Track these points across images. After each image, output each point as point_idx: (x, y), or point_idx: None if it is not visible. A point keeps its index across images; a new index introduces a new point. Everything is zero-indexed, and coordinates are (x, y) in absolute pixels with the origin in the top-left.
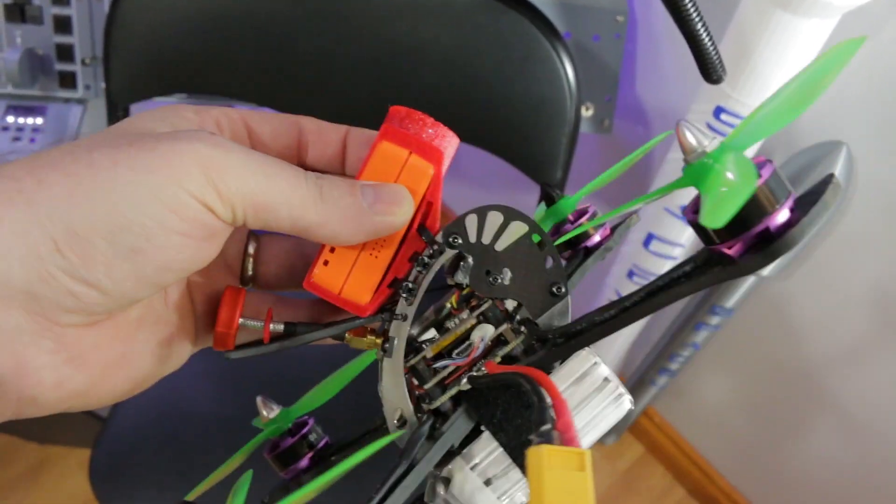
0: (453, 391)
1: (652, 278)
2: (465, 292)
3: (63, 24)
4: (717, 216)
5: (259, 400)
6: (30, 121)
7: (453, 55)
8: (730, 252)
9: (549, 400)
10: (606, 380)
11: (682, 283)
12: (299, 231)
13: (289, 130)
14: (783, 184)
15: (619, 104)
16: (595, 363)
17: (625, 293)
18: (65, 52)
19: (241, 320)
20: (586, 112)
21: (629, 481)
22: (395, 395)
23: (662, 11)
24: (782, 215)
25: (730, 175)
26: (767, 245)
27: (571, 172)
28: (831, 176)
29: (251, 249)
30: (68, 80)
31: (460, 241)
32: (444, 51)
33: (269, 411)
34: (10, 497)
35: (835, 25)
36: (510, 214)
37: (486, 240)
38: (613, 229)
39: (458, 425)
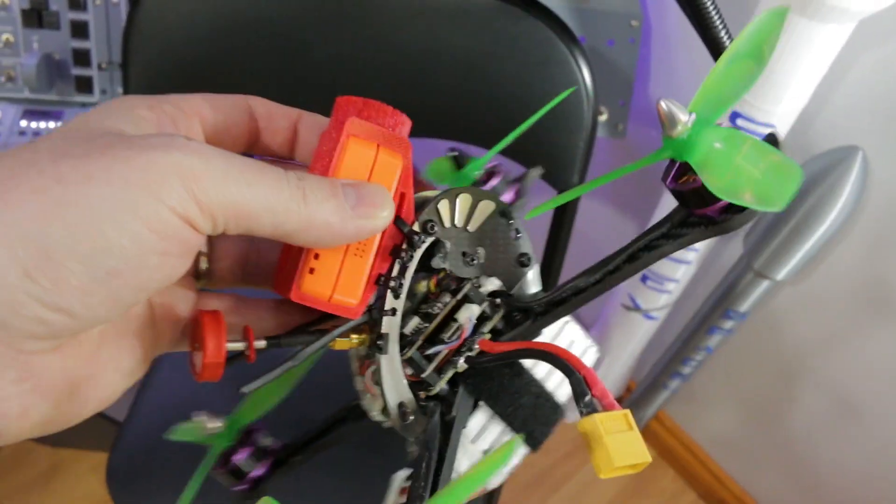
0: (449, 374)
1: (666, 283)
2: (442, 276)
3: (80, 30)
4: (732, 187)
5: (199, 416)
6: (46, 125)
7: (470, 59)
8: (713, 213)
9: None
10: (573, 341)
11: (664, 242)
12: (281, 236)
13: (241, 118)
14: None
15: (633, 109)
16: (567, 321)
17: (640, 299)
18: (82, 57)
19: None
20: (601, 117)
21: (640, 485)
22: (396, 388)
23: (677, 16)
24: None
25: (718, 145)
26: (742, 208)
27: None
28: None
29: (204, 247)
30: (85, 85)
31: (437, 228)
32: (461, 55)
33: (213, 424)
34: (24, 501)
35: (851, 31)
36: (478, 194)
37: (459, 223)
38: (519, 188)
39: (466, 407)
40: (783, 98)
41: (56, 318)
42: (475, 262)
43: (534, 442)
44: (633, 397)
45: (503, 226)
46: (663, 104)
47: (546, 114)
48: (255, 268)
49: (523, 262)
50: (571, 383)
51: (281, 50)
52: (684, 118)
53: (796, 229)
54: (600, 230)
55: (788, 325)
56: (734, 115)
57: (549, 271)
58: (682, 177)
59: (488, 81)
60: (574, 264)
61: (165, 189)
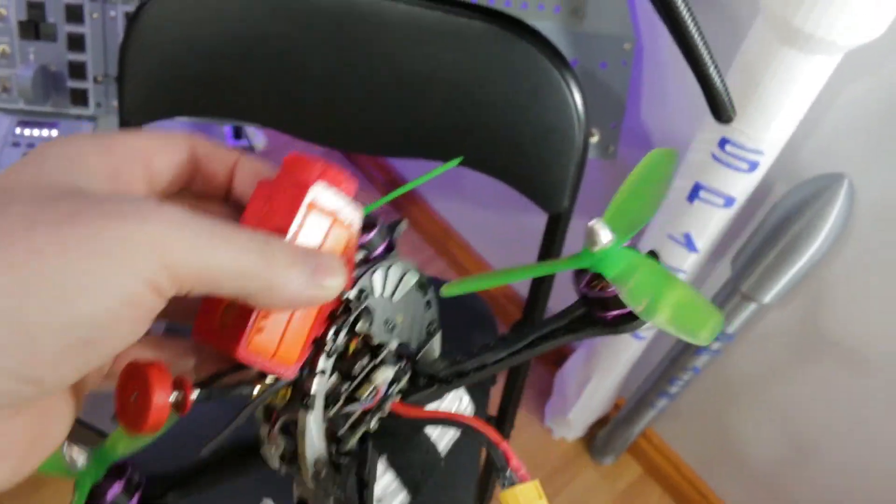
0: (361, 432)
1: None
2: (362, 339)
3: (76, 42)
4: (640, 300)
5: (67, 446)
6: (40, 133)
7: (463, 82)
8: (611, 318)
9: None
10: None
11: (564, 334)
12: (242, 296)
13: (183, 158)
14: None
15: (624, 131)
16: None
17: None
18: (77, 70)
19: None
20: (592, 138)
21: (627, 502)
22: (317, 444)
23: (668, 39)
24: None
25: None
26: (633, 318)
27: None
28: None
29: None
30: (80, 98)
31: (369, 296)
32: (455, 77)
33: (78, 456)
34: None
35: (838, 62)
36: (406, 267)
37: (387, 292)
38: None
39: (375, 463)
40: (772, 125)
41: (26, 388)
42: (395, 329)
43: (417, 492)
44: (621, 415)
45: (419, 296)
46: (596, 226)
47: (537, 138)
48: (175, 304)
49: (430, 330)
50: (494, 457)
51: (277, 66)
52: (605, 239)
53: (783, 254)
54: None
55: (774, 347)
56: (723, 141)
57: (536, 296)
58: (592, 283)
59: (481, 104)
60: (565, 288)
61: (139, 261)
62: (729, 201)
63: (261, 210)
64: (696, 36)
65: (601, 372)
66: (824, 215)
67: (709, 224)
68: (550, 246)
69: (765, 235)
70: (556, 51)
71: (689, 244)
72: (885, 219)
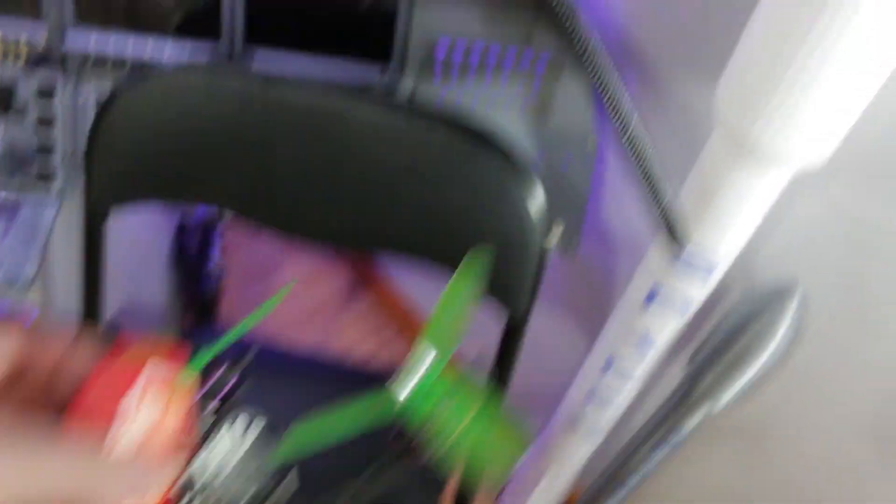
0: None
1: (611, 400)
2: None
3: (45, 121)
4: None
5: None
6: (3, 214)
7: (426, 182)
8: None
9: None
10: None
11: (384, 481)
12: None
13: (8, 359)
14: None
15: (586, 229)
16: None
17: (585, 414)
18: (45, 148)
19: None
20: (553, 235)
21: None
22: None
23: None
24: None
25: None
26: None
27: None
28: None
29: None
30: (46, 177)
31: (202, 477)
32: (418, 177)
33: None
34: None
35: (790, 176)
36: (251, 413)
37: (235, 445)
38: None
39: None
40: (726, 236)
41: None
42: (248, 478)
43: None
44: None
45: (270, 440)
46: (391, 382)
47: (498, 240)
48: None
49: (285, 468)
50: None
51: (245, 157)
52: (405, 390)
53: (735, 361)
54: (554, 338)
55: (729, 449)
56: None
57: (500, 380)
58: (399, 435)
59: (442, 204)
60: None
61: None
62: (685, 306)
63: (90, 400)
64: (653, 175)
65: (556, 464)
66: (775, 327)
67: (665, 327)
68: (510, 342)
69: (717, 344)
70: (517, 161)
71: (645, 346)
72: (838, 324)
